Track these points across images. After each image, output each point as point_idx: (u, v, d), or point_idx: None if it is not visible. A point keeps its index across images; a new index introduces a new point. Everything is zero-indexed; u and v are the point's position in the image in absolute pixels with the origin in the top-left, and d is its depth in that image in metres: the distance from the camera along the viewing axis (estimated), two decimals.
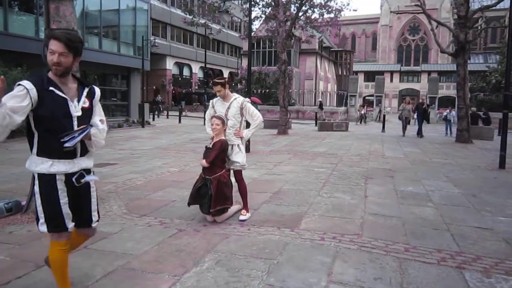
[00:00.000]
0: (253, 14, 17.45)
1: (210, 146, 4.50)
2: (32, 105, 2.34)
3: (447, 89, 52.08)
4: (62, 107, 2.43)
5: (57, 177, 2.47)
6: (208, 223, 4.48)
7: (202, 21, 18.62)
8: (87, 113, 2.54)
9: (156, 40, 26.61)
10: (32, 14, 18.04)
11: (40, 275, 3.13)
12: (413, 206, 5.41)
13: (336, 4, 46.76)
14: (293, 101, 31.06)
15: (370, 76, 58.63)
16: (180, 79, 39.78)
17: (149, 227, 4.36)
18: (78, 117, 2.47)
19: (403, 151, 11.89)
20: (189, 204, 4.59)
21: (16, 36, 16.55)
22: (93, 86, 2.65)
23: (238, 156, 4.67)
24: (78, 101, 2.51)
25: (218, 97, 4.76)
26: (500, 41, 50.02)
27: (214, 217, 4.48)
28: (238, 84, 34.35)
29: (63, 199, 2.50)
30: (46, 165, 2.44)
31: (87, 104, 2.54)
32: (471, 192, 6.41)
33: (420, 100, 18.42)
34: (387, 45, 65.77)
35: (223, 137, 4.53)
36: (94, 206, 2.67)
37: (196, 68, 41.27)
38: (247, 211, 4.78)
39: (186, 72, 41.12)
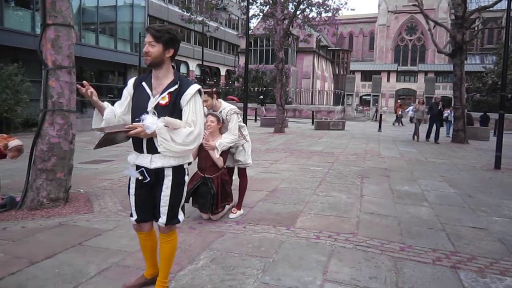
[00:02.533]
0: (251, 12, 17.47)
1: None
2: (130, 99, 2.63)
3: (444, 89, 52.31)
4: (142, 102, 2.53)
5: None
6: (204, 221, 4.47)
7: (200, 18, 18.57)
8: (163, 109, 2.46)
9: None
10: (28, 9, 17.93)
11: (33, 271, 3.11)
12: (408, 206, 5.42)
13: (334, 3, 46.79)
14: (290, 99, 31.06)
15: (367, 75, 58.78)
16: None
17: None
18: (154, 113, 2.46)
19: (399, 150, 11.92)
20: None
21: (12, 31, 16.44)
22: (189, 84, 2.53)
23: (240, 155, 4.68)
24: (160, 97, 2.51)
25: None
26: (497, 42, 50.20)
27: (210, 215, 4.47)
28: (235, 82, 34.30)
29: (131, 190, 2.66)
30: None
31: (164, 101, 2.48)
32: (467, 192, 6.43)
33: (434, 99, 15.64)
34: (385, 45, 65.86)
35: (220, 136, 4.49)
36: (163, 203, 2.57)
37: (193, 65, 41.11)
38: (239, 209, 4.79)
39: (183, 69, 40.96)
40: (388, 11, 59.15)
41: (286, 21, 17.08)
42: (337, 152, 11.05)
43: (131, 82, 2.66)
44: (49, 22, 4.86)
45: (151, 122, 2.38)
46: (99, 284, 2.94)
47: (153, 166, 2.52)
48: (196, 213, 4.63)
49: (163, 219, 2.59)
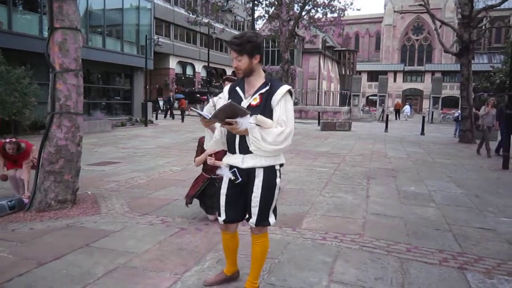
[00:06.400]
0: (256, 14, 17.47)
1: None
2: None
3: (451, 89, 51.97)
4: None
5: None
6: (210, 222, 4.48)
7: (205, 20, 18.67)
8: (254, 110, 2.50)
9: (159, 39, 26.57)
10: (36, 13, 18.09)
11: (41, 272, 3.14)
12: (415, 206, 5.39)
13: (340, 3, 46.55)
14: (296, 100, 31.03)
15: (373, 75, 58.56)
16: (183, 78, 39.84)
17: (151, 226, 4.36)
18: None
19: (406, 151, 11.86)
20: (187, 204, 4.59)
21: (20, 35, 16.59)
22: (280, 85, 2.57)
23: None
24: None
25: (219, 96, 4.74)
26: (504, 41, 49.69)
27: (217, 216, 4.47)
28: None
29: (223, 190, 2.72)
30: None
31: (255, 102, 2.55)
32: (474, 192, 6.39)
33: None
34: (391, 45, 65.59)
35: None
36: (254, 204, 2.63)
37: (199, 67, 41.26)
38: None
39: (189, 71, 41.13)
40: (394, 11, 58.82)
41: (291, 22, 17.13)
42: (343, 153, 11.03)
43: (226, 89, 2.78)
44: (57, 26, 4.91)
45: (243, 120, 2.43)
46: (107, 285, 2.96)
47: (244, 165, 2.58)
48: (202, 214, 4.64)
49: (253, 220, 2.66)
